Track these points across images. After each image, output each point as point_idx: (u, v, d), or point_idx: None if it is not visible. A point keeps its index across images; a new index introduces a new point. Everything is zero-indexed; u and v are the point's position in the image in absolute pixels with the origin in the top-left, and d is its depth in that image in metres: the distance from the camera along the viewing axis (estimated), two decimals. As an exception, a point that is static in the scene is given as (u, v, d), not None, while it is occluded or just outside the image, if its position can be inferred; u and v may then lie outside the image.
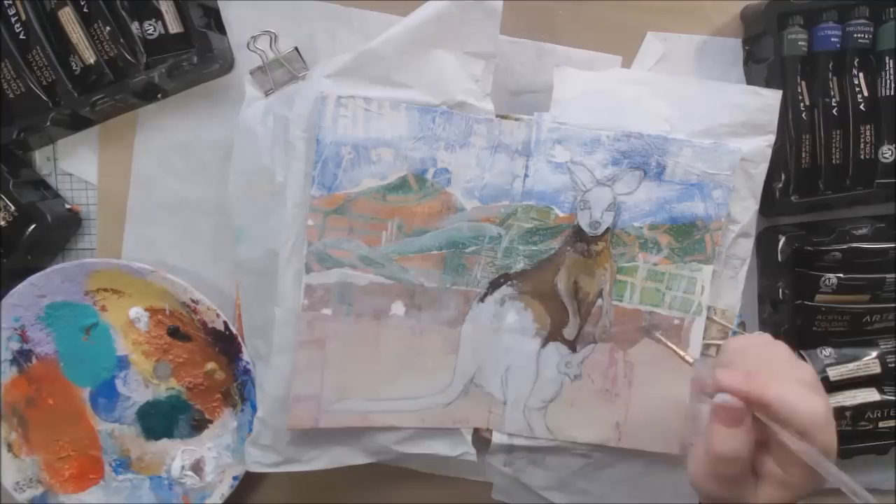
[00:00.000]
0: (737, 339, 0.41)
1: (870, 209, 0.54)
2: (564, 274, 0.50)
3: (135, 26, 0.49)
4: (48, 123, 0.49)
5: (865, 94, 0.51)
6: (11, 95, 0.49)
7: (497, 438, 0.52)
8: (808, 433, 0.34)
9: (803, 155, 0.52)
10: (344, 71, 0.47)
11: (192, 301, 0.52)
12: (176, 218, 0.54)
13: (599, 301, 0.50)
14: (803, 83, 0.51)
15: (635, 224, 0.49)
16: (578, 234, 0.49)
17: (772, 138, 0.49)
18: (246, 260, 0.51)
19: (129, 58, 0.49)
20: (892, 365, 0.54)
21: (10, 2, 0.48)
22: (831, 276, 0.52)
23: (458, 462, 0.53)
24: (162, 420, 0.55)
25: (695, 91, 0.50)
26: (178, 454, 0.54)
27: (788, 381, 0.36)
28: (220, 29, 0.51)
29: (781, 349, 0.39)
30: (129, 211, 0.54)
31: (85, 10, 0.48)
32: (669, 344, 0.45)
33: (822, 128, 0.51)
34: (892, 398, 0.54)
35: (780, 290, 0.53)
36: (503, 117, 0.48)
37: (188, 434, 0.55)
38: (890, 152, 0.51)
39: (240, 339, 0.52)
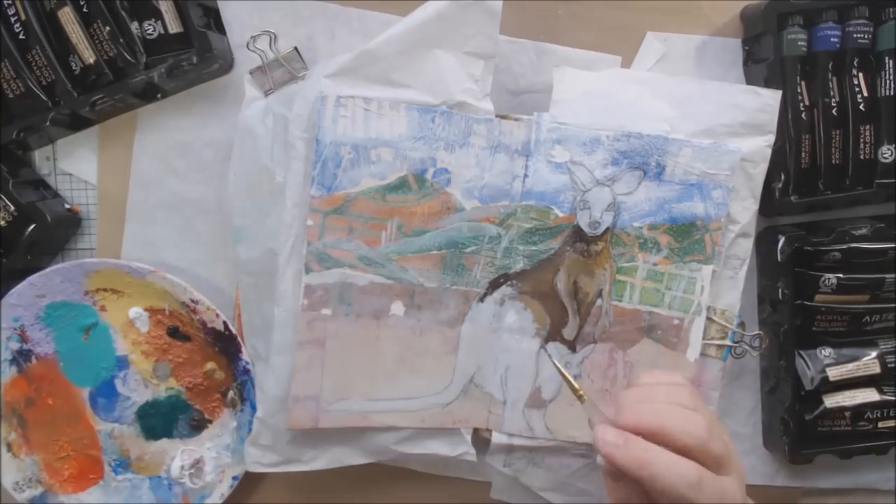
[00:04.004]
0: (631, 391, 0.41)
1: (869, 209, 0.54)
2: (564, 274, 0.50)
3: (134, 26, 0.49)
4: (48, 123, 0.49)
5: (865, 94, 0.51)
6: (11, 95, 0.49)
7: (497, 438, 0.52)
8: (677, 492, 0.35)
9: (803, 155, 0.52)
10: (343, 71, 0.47)
11: (192, 301, 0.52)
12: (175, 218, 0.54)
13: (599, 301, 0.50)
14: (803, 83, 0.51)
15: (635, 224, 0.49)
16: (578, 234, 0.49)
17: (771, 138, 0.49)
18: (245, 260, 0.51)
19: (128, 58, 0.49)
20: (892, 365, 0.54)
21: (10, 2, 0.48)
22: (831, 276, 0.52)
23: (458, 462, 0.53)
24: (161, 420, 0.54)
25: (694, 91, 0.50)
26: (177, 454, 0.54)
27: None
28: (220, 29, 0.51)
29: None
30: (128, 211, 0.54)
31: (84, 10, 0.48)
32: (566, 375, 0.43)
33: (822, 128, 0.51)
34: (892, 398, 0.54)
35: (780, 290, 0.53)
36: (503, 117, 0.48)
37: (188, 434, 0.55)
38: (889, 152, 0.51)
39: (239, 339, 0.52)
